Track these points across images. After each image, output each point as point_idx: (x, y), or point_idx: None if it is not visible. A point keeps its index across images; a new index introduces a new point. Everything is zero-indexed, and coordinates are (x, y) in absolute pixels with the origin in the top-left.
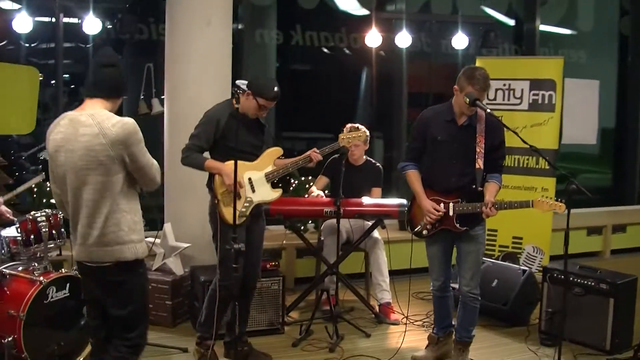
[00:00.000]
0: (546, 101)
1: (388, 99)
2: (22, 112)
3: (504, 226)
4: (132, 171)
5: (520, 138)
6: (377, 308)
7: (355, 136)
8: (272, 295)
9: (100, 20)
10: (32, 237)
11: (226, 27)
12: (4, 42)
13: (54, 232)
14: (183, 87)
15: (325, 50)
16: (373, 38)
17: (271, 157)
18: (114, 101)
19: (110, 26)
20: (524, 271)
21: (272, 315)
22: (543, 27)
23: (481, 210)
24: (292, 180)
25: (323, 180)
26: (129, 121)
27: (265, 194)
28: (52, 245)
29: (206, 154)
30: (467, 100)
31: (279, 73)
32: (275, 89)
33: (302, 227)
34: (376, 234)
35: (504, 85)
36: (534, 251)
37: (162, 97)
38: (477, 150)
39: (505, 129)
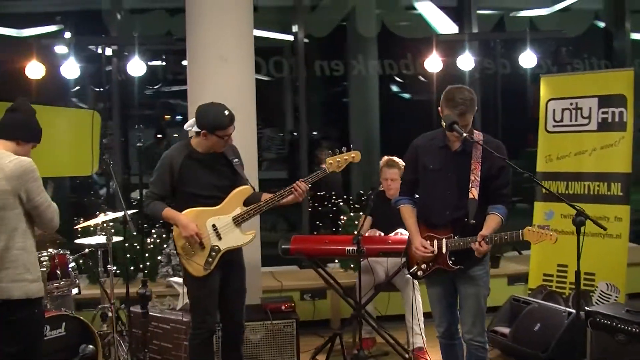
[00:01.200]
0: (617, 119)
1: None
2: (84, 155)
3: (575, 261)
4: (29, 209)
5: (512, 165)
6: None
7: (347, 158)
8: (286, 338)
9: (144, 62)
10: None
11: (245, 62)
12: (76, 88)
13: (58, 271)
14: None
15: (398, 78)
16: (433, 63)
17: (239, 198)
18: (19, 144)
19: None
20: (570, 313)
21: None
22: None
23: (473, 245)
24: (342, 217)
25: (368, 220)
26: (26, 159)
27: (235, 239)
28: (57, 284)
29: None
30: (444, 124)
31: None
32: (226, 112)
33: (352, 266)
34: None
35: (571, 104)
36: (607, 289)
37: None
38: (472, 178)
39: (499, 154)
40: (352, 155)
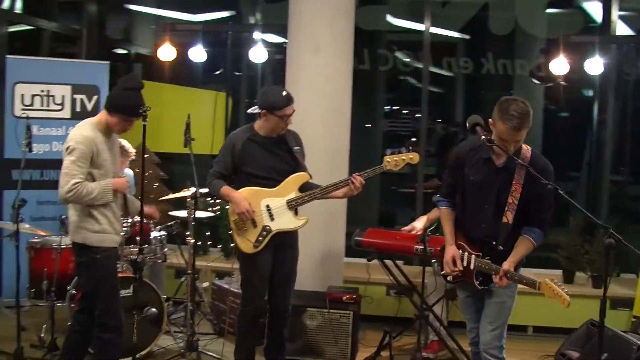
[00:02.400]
0: None
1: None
2: (211, 133)
3: None
4: None
5: (543, 181)
6: None
7: (405, 159)
8: (341, 329)
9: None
10: None
11: (341, 53)
12: (220, 70)
13: (137, 237)
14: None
15: (535, 81)
16: (560, 65)
17: (295, 183)
18: (109, 113)
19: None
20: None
21: (341, 349)
22: None
23: (494, 278)
24: None
25: (434, 213)
26: (79, 132)
27: (287, 222)
28: (137, 249)
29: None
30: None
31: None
32: (284, 93)
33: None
34: None
35: None
36: None
37: None
38: (509, 201)
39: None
40: (410, 156)
